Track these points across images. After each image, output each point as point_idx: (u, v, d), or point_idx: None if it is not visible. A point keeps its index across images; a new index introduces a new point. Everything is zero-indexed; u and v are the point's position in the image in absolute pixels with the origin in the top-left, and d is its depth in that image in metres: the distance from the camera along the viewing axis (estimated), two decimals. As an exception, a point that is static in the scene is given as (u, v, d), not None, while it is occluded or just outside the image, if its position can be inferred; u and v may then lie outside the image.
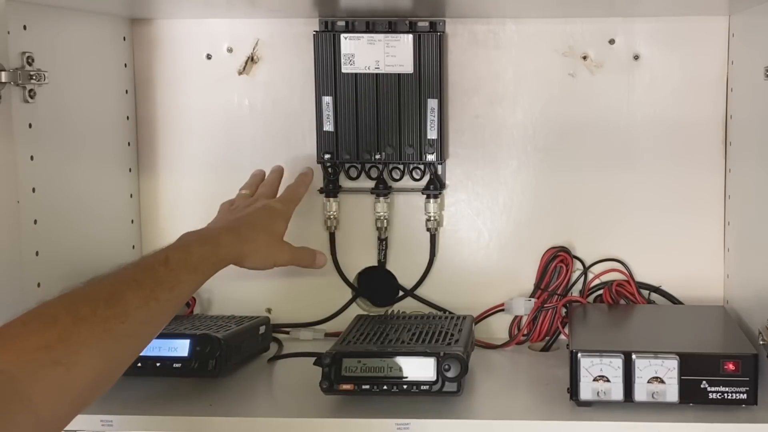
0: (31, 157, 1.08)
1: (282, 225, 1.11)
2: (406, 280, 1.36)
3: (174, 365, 1.11)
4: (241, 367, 1.20)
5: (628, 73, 1.31)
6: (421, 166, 1.32)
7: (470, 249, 1.36)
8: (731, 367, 1.02)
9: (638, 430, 1.01)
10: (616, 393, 1.03)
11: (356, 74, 1.28)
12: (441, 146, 1.29)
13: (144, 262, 0.91)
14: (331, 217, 1.33)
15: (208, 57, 1.35)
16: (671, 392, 1.02)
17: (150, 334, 0.87)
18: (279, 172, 1.25)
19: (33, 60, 1.06)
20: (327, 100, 1.29)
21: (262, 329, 1.25)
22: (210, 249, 0.98)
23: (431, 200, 1.32)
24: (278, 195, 1.21)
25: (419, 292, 1.36)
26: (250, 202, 1.15)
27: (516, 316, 1.33)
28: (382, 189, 1.32)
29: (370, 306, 1.39)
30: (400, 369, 1.06)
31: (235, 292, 1.37)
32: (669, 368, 1.02)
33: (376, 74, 1.28)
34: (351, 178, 1.34)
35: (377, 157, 1.29)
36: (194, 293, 0.98)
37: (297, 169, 1.35)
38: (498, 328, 1.34)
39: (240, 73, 1.35)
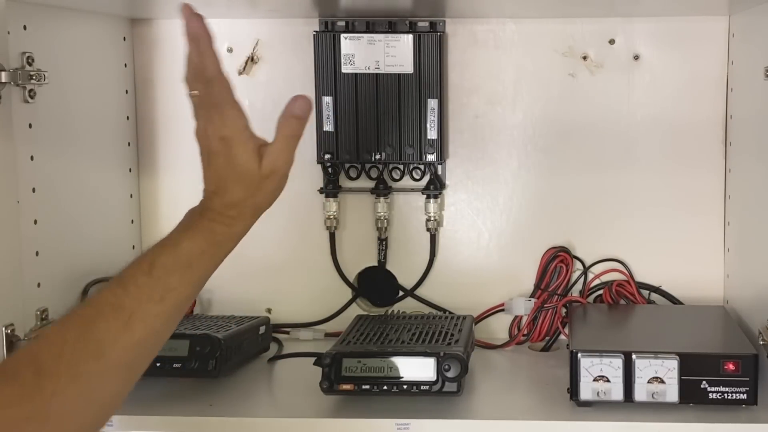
0: (31, 157, 1.08)
1: (245, 156, 0.84)
2: (406, 280, 1.36)
3: (174, 365, 1.11)
4: (241, 367, 1.20)
5: (628, 73, 1.31)
6: (421, 166, 1.32)
7: (470, 249, 1.36)
8: (731, 367, 1.02)
9: (638, 430, 1.01)
10: (616, 393, 1.03)
11: (356, 74, 1.28)
12: (441, 146, 1.29)
13: (125, 274, 0.79)
14: (331, 217, 1.33)
15: (208, 57, 1.35)
16: (671, 392, 1.02)
17: (144, 357, 0.78)
18: (211, 53, 0.86)
19: (33, 60, 1.06)
20: (327, 100, 1.29)
21: (262, 329, 1.25)
22: (204, 242, 0.82)
23: (431, 200, 1.32)
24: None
25: (419, 292, 1.36)
26: (209, 133, 0.85)
27: (516, 316, 1.33)
28: (382, 189, 1.32)
29: (370, 306, 1.39)
30: (400, 369, 1.06)
31: (235, 292, 1.37)
32: (669, 368, 1.02)
33: (376, 74, 1.28)
34: (351, 178, 1.34)
35: (377, 157, 1.29)
36: (195, 291, 0.83)
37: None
38: (498, 328, 1.34)
39: (240, 73, 1.35)
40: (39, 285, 1.09)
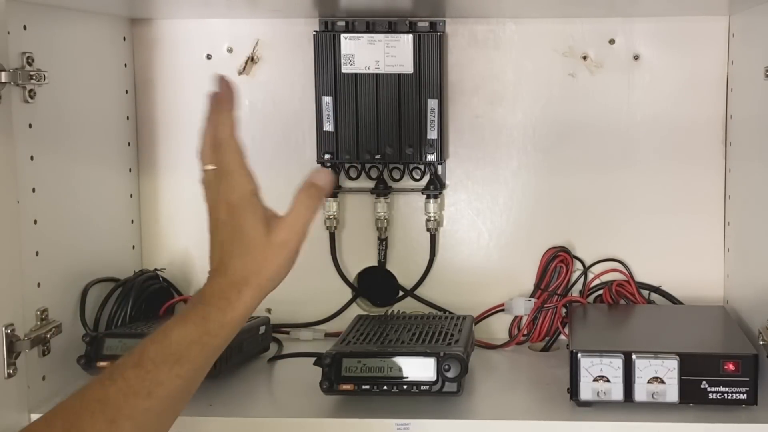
0: (31, 157, 1.08)
1: (252, 223, 0.80)
2: (406, 280, 1.36)
3: (174, 365, 1.11)
4: (241, 367, 1.20)
5: (628, 73, 1.31)
6: (421, 166, 1.32)
7: (470, 249, 1.36)
8: (731, 367, 1.02)
9: (638, 430, 1.01)
10: (616, 393, 1.03)
11: (356, 74, 1.28)
12: (441, 146, 1.29)
13: (117, 364, 0.74)
14: (331, 217, 1.33)
15: (208, 57, 1.35)
16: (671, 392, 1.02)
17: None
18: (219, 114, 0.86)
19: (33, 60, 1.06)
20: (327, 100, 1.29)
21: (262, 329, 1.25)
22: (195, 331, 0.75)
23: (431, 200, 1.32)
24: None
25: (419, 292, 1.36)
26: (220, 208, 0.83)
27: (516, 316, 1.33)
28: (382, 189, 1.32)
29: (370, 306, 1.39)
30: (400, 369, 1.06)
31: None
32: (669, 368, 1.02)
33: (376, 74, 1.28)
34: (351, 178, 1.34)
35: (377, 157, 1.29)
36: (193, 383, 0.77)
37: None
38: (498, 328, 1.34)
39: (240, 73, 1.35)
40: (39, 285, 1.09)
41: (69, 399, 0.73)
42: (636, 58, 1.31)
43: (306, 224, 0.82)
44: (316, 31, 1.29)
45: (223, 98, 0.83)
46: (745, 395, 1.02)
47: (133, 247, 1.36)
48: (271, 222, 0.80)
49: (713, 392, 1.02)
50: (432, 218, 1.33)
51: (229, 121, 0.82)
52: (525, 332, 1.31)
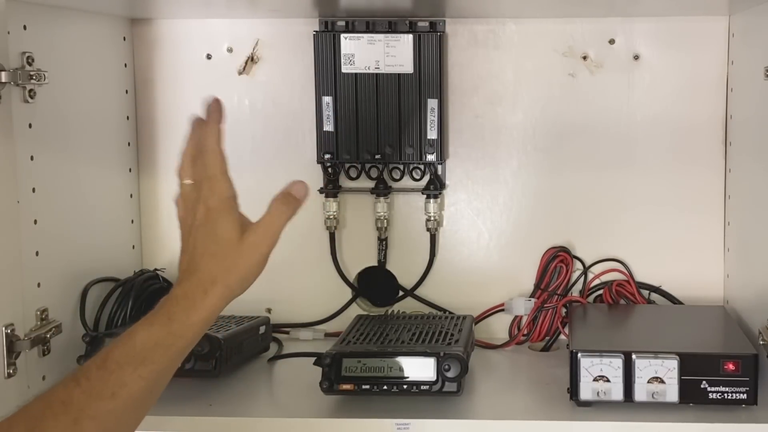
0: (31, 157, 1.08)
1: (227, 226, 0.81)
2: (406, 280, 1.36)
3: (174, 365, 1.11)
4: (241, 367, 1.20)
5: (628, 73, 1.31)
6: (421, 166, 1.32)
7: (470, 249, 1.36)
8: (731, 367, 1.02)
9: (638, 430, 1.02)
10: (616, 393, 1.03)
11: (356, 74, 1.28)
12: (441, 146, 1.29)
13: (83, 366, 0.74)
14: (331, 217, 1.33)
15: (208, 57, 1.35)
16: (671, 392, 1.02)
17: None
18: (213, 127, 0.85)
19: (33, 60, 1.06)
20: (327, 100, 1.29)
21: (262, 329, 1.25)
22: (160, 331, 0.76)
23: (431, 200, 1.32)
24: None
25: (419, 292, 1.36)
26: (195, 215, 0.83)
27: (516, 316, 1.33)
28: (382, 189, 1.32)
29: (370, 306, 1.39)
30: (400, 369, 1.06)
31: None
32: (669, 368, 1.02)
33: (376, 74, 1.28)
34: (351, 178, 1.34)
35: (377, 157, 1.29)
36: (158, 385, 0.77)
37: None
38: (498, 328, 1.34)
39: (240, 73, 1.35)
40: (39, 285, 1.09)
41: (32, 401, 0.73)
42: (636, 58, 1.31)
43: (278, 230, 0.84)
44: (316, 31, 1.29)
45: (212, 111, 0.84)
46: (745, 395, 1.02)
47: (133, 247, 1.36)
48: (244, 226, 0.82)
49: (713, 392, 1.02)
50: (432, 218, 1.33)
51: (216, 131, 0.84)
52: (525, 332, 1.31)
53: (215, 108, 0.84)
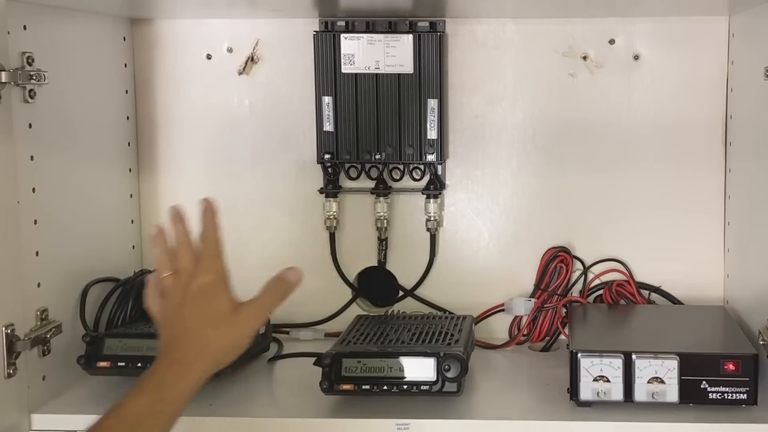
0: (31, 157, 1.08)
1: (221, 300, 0.86)
2: (406, 280, 1.36)
3: (174, 365, 1.11)
4: (241, 367, 1.20)
5: (628, 73, 1.31)
6: (421, 166, 1.32)
7: (470, 249, 1.36)
8: (731, 367, 1.02)
9: (638, 430, 1.02)
10: (616, 393, 1.03)
11: (356, 74, 1.28)
12: (441, 146, 1.29)
13: None
14: (331, 217, 1.33)
15: (208, 57, 1.35)
16: (671, 392, 1.02)
17: None
18: (179, 226, 0.91)
19: (33, 60, 1.06)
20: (327, 100, 1.29)
21: (262, 329, 1.25)
22: (150, 399, 0.79)
23: (431, 200, 1.32)
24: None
25: (419, 292, 1.36)
26: (180, 294, 0.87)
27: (516, 316, 1.33)
28: (382, 189, 1.32)
29: (370, 306, 1.39)
30: (400, 369, 1.06)
31: (235, 292, 1.36)
32: (669, 368, 1.02)
33: (376, 74, 1.28)
34: (351, 178, 1.34)
35: (377, 157, 1.29)
36: None
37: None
38: (498, 328, 1.34)
39: (240, 73, 1.35)
40: (39, 285, 1.09)
41: None
42: (636, 58, 1.31)
43: (268, 310, 0.90)
44: (316, 31, 1.29)
45: (207, 210, 0.91)
46: (745, 395, 1.02)
47: (133, 247, 1.36)
48: (237, 302, 0.88)
49: (713, 392, 1.02)
50: (432, 218, 1.33)
51: (215, 223, 0.90)
52: (525, 332, 1.31)
53: (209, 207, 0.91)
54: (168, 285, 0.88)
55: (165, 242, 0.90)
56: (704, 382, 1.02)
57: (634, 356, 1.03)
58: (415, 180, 1.33)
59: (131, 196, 1.36)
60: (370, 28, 1.28)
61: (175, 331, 0.85)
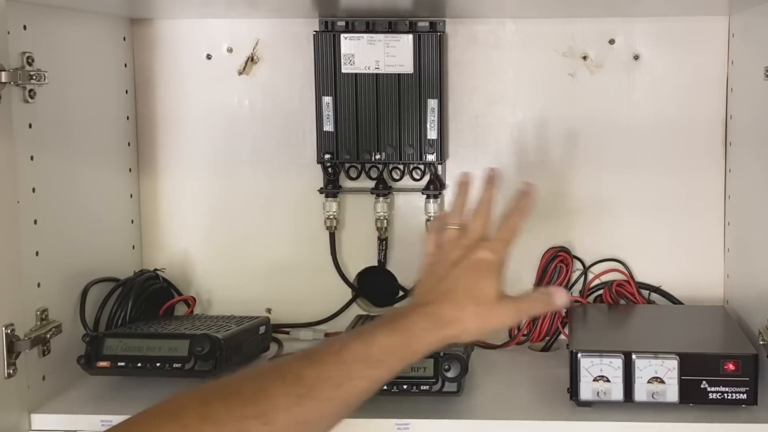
0: (31, 157, 1.08)
1: (492, 283, 0.85)
2: (406, 280, 1.36)
3: (174, 365, 1.11)
4: (241, 367, 1.20)
5: (628, 73, 1.31)
6: (421, 166, 1.32)
7: (470, 249, 1.35)
8: (731, 367, 1.02)
9: (638, 430, 1.02)
10: (616, 393, 1.03)
11: (356, 74, 1.28)
12: (441, 146, 1.29)
13: (314, 351, 0.78)
14: (331, 217, 1.33)
15: (208, 57, 1.35)
16: (671, 392, 1.02)
17: None
18: (489, 191, 0.94)
19: (33, 60, 1.06)
20: (327, 100, 1.28)
21: (262, 329, 1.25)
22: (399, 340, 0.79)
23: (431, 200, 1.32)
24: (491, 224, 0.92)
25: (419, 292, 1.36)
26: (458, 253, 0.88)
27: (516, 316, 1.32)
28: (382, 189, 1.32)
29: (370, 306, 1.39)
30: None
31: (235, 292, 1.37)
32: (669, 368, 1.02)
33: (376, 74, 1.28)
34: (351, 178, 1.34)
35: (377, 157, 1.29)
36: (372, 390, 0.79)
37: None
38: (498, 328, 1.34)
39: (240, 73, 1.35)
40: (39, 285, 1.09)
41: (265, 365, 0.78)
42: (636, 58, 1.31)
43: (524, 315, 0.91)
44: (316, 31, 1.29)
45: (526, 203, 0.92)
46: (745, 395, 1.02)
47: (133, 247, 1.36)
48: (503, 293, 0.86)
49: (713, 392, 1.02)
50: (432, 218, 1.33)
51: (527, 208, 0.92)
52: (525, 332, 1.31)
53: (527, 193, 0.92)
54: (451, 238, 0.89)
55: (467, 194, 0.93)
56: (704, 382, 1.02)
57: (634, 356, 1.03)
58: (415, 180, 1.33)
59: (131, 196, 1.36)
60: (370, 28, 1.28)
61: (440, 286, 0.84)
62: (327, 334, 1.34)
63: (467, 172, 0.94)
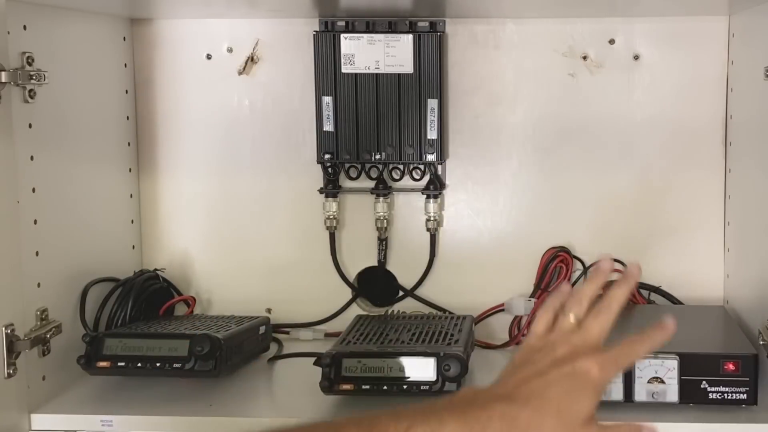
0: (31, 157, 1.08)
1: (586, 404, 0.76)
2: (406, 280, 1.36)
3: (174, 365, 1.11)
4: (241, 367, 1.20)
5: (628, 73, 1.31)
6: (421, 166, 1.32)
7: (470, 249, 1.36)
8: (731, 367, 1.02)
9: (638, 430, 1.01)
10: (616, 393, 1.03)
11: (356, 74, 1.28)
12: (441, 146, 1.29)
13: (378, 415, 0.72)
14: (331, 217, 1.33)
15: (208, 57, 1.35)
16: (671, 392, 1.02)
17: None
18: (624, 290, 0.81)
19: (33, 60, 1.06)
20: (327, 100, 1.28)
21: (262, 329, 1.25)
22: (469, 430, 0.72)
23: (431, 200, 1.32)
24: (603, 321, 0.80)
25: (419, 292, 1.36)
26: (565, 352, 0.78)
27: (516, 316, 1.33)
28: (382, 189, 1.32)
29: (370, 306, 1.39)
30: (401, 369, 1.06)
31: (235, 292, 1.37)
32: (669, 368, 1.02)
33: (376, 74, 1.28)
34: (351, 178, 1.34)
35: (377, 157, 1.29)
36: None
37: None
38: (498, 328, 1.34)
39: (240, 73, 1.35)
40: (39, 285, 1.09)
41: (320, 425, 0.74)
42: (636, 58, 1.31)
43: None
44: (316, 31, 1.29)
45: (632, 274, 0.81)
46: (745, 395, 1.02)
47: (133, 247, 1.36)
48: (593, 416, 0.78)
49: (713, 392, 1.02)
50: (432, 218, 1.33)
51: (624, 295, 0.80)
52: (525, 332, 1.31)
53: (632, 274, 0.81)
54: (564, 329, 0.79)
55: (600, 284, 0.81)
56: (704, 382, 1.02)
57: (634, 356, 1.03)
58: (415, 180, 1.33)
59: (131, 196, 1.36)
60: (370, 28, 1.28)
61: (532, 383, 0.76)
62: (327, 334, 1.34)
63: (609, 257, 0.82)
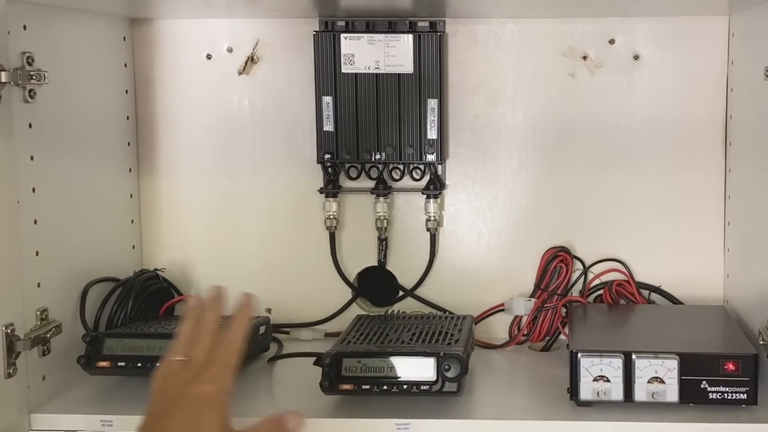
0: (31, 157, 1.08)
1: (213, 419, 0.80)
2: (406, 280, 1.36)
3: (174, 365, 1.10)
4: (241, 367, 1.20)
5: (628, 73, 1.31)
6: (421, 166, 1.32)
7: (470, 249, 1.36)
8: (731, 367, 1.02)
9: (638, 430, 1.02)
10: (616, 393, 1.03)
11: (356, 74, 1.28)
12: (441, 146, 1.29)
13: None
14: (331, 217, 1.33)
15: (208, 57, 1.35)
16: (671, 392, 1.02)
17: None
18: (213, 312, 0.88)
19: (33, 60, 1.06)
20: (327, 100, 1.29)
21: (262, 329, 1.25)
22: None
23: (431, 200, 1.32)
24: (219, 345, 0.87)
25: (419, 292, 1.36)
26: (176, 389, 0.82)
27: (516, 316, 1.33)
28: (382, 189, 1.32)
29: (370, 306, 1.39)
30: (400, 369, 1.06)
31: (235, 292, 1.37)
32: (669, 368, 1.02)
33: (376, 74, 1.28)
34: (351, 178, 1.34)
35: (377, 157, 1.29)
36: None
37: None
38: (498, 328, 1.34)
39: (240, 73, 1.35)
40: (39, 285, 1.09)
41: None
42: (636, 58, 1.31)
43: None
44: (316, 31, 1.29)
45: (244, 306, 0.88)
46: (745, 395, 1.02)
47: (133, 247, 1.36)
48: (227, 427, 0.81)
49: (713, 392, 1.02)
50: (432, 218, 1.33)
51: (245, 325, 0.86)
52: (525, 332, 1.31)
53: (246, 305, 0.87)
54: (172, 372, 0.83)
55: (194, 321, 0.86)
56: (704, 382, 1.02)
57: (634, 356, 1.03)
58: (415, 180, 1.33)
59: (131, 196, 1.36)
60: (370, 28, 1.28)
61: (159, 427, 0.79)
62: (327, 334, 1.34)
63: (195, 296, 0.89)
